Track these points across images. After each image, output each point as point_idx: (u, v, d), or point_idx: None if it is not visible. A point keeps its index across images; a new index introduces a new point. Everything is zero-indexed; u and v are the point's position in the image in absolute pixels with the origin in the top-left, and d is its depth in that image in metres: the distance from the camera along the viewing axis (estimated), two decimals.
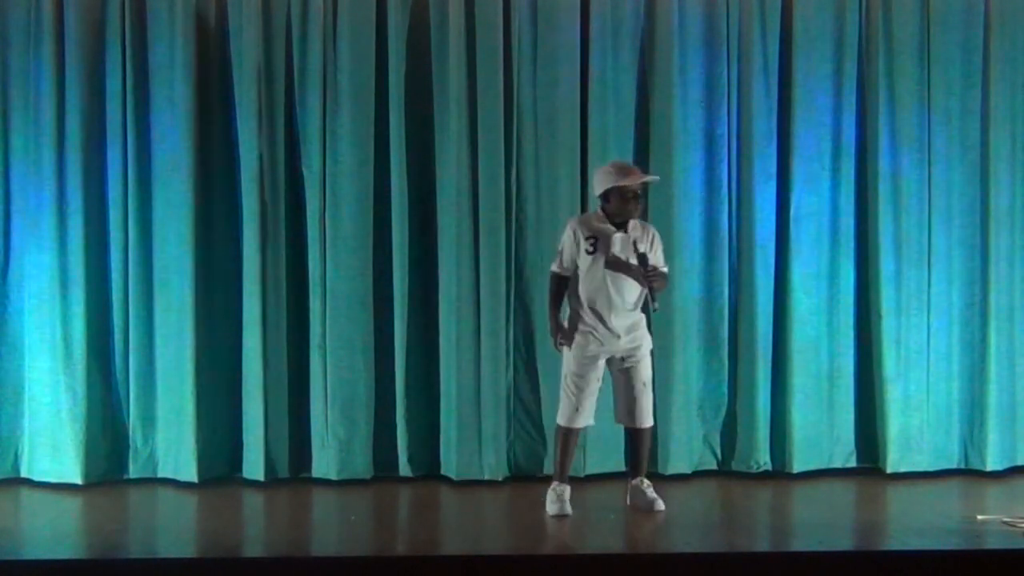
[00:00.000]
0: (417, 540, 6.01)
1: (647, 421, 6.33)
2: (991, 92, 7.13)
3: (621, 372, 6.30)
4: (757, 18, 7.08)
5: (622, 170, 6.26)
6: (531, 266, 7.02)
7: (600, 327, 6.20)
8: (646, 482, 6.39)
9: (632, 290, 6.21)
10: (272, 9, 6.99)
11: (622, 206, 6.19)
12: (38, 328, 6.92)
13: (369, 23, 6.98)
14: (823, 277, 7.14)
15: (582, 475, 6.94)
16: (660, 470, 7.04)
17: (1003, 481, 7.02)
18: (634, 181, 6.19)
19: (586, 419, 6.31)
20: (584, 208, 7.02)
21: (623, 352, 6.25)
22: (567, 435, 6.30)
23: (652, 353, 6.41)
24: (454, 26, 6.94)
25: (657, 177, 6.54)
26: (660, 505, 6.30)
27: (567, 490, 6.29)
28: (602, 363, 6.28)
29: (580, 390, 6.23)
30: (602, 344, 6.21)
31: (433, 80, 7.01)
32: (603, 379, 6.32)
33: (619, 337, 6.21)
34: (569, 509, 6.23)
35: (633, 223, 6.24)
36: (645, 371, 6.30)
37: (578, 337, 6.22)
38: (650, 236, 6.29)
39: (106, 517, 6.37)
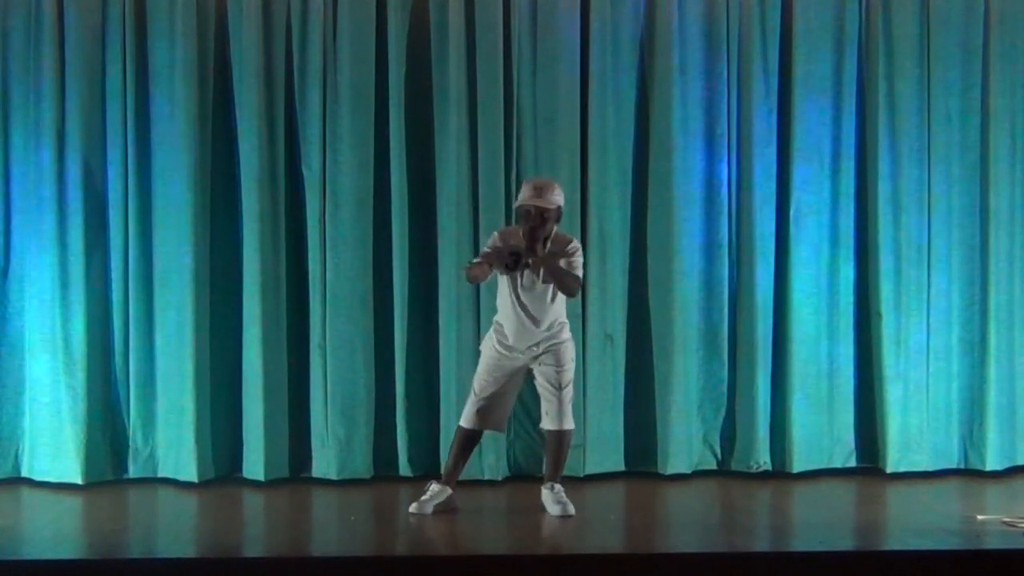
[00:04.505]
0: (417, 540, 6.00)
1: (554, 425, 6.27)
2: (991, 92, 7.13)
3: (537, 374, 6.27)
4: (757, 18, 7.08)
5: (523, 187, 6.21)
6: None
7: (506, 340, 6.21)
8: (556, 487, 6.26)
9: (540, 307, 6.14)
10: (272, 9, 6.99)
11: (522, 223, 6.14)
12: (38, 328, 6.92)
13: (369, 23, 6.98)
14: (823, 277, 7.13)
15: (581, 475, 6.94)
16: (660, 470, 7.06)
17: (1003, 481, 7.02)
18: (523, 200, 6.11)
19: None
20: (584, 209, 7.03)
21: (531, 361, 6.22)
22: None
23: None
24: (454, 26, 6.94)
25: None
26: (566, 511, 6.18)
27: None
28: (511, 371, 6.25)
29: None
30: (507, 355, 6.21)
31: (433, 80, 7.02)
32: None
33: (522, 353, 6.19)
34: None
35: (552, 241, 6.14)
36: (557, 375, 6.21)
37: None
38: (563, 249, 6.15)
39: (106, 517, 6.36)
